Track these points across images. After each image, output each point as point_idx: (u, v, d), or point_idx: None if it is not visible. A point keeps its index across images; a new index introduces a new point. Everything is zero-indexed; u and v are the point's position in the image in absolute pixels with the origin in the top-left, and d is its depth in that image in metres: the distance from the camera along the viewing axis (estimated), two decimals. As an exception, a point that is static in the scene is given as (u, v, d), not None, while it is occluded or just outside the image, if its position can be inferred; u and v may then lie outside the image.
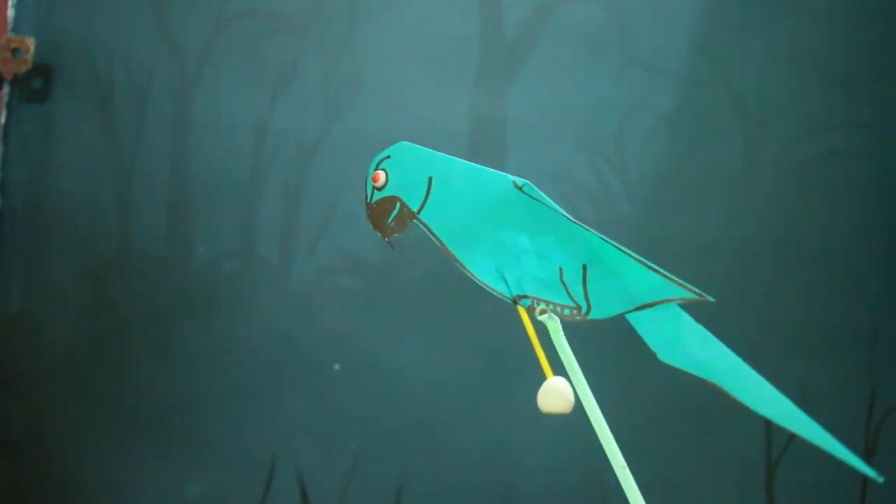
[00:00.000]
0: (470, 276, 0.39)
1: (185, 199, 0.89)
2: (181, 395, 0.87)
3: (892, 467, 0.90)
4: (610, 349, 0.80)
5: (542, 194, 0.37)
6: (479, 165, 0.38)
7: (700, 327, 0.35)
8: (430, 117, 0.87)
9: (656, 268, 0.35)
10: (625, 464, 0.40)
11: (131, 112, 0.89)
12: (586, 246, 0.36)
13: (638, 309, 0.36)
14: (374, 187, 0.41)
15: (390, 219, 0.40)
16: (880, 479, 0.31)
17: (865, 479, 0.83)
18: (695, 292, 0.34)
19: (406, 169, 0.40)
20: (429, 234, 0.39)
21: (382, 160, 0.41)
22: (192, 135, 0.89)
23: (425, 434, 0.86)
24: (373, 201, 0.41)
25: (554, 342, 0.39)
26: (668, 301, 0.35)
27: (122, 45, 0.90)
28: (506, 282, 0.38)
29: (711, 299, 0.33)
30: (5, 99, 0.89)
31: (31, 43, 0.88)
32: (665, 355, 0.36)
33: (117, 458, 0.87)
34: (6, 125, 0.89)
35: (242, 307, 0.88)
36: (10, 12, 0.90)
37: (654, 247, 0.85)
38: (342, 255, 0.87)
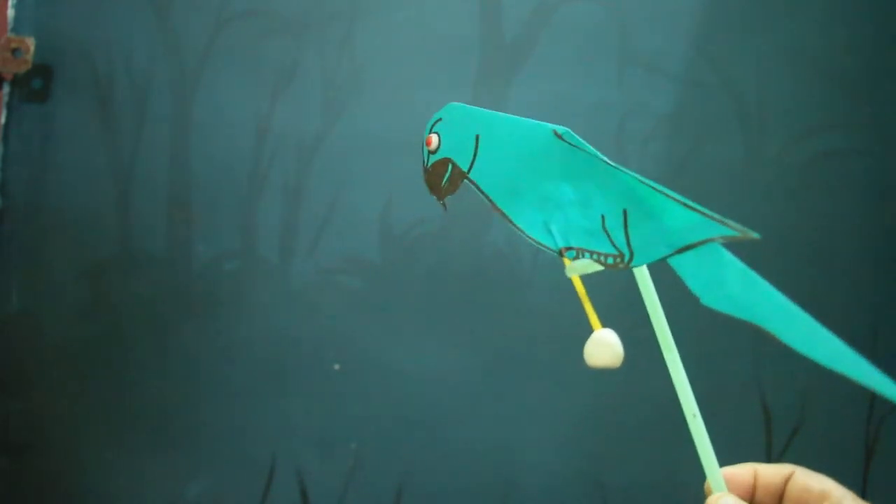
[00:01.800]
0: (519, 232, 0.38)
1: (185, 199, 0.89)
2: (181, 395, 0.87)
3: (892, 467, 0.91)
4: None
5: (582, 140, 0.35)
6: (521, 118, 0.37)
7: (745, 267, 0.33)
8: (430, 117, 0.87)
9: (695, 205, 0.31)
10: (697, 411, 0.39)
11: (131, 112, 0.89)
12: (625, 189, 0.34)
13: (679, 252, 0.33)
14: (428, 151, 0.40)
15: (444, 181, 0.39)
16: None
17: (865, 478, 0.82)
18: (737, 229, 0.30)
19: (456, 129, 0.39)
20: (479, 192, 0.38)
21: (435, 123, 0.40)
22: (192, 135, 0.89)
23: (425, 434, 0.86)
24: (429, 165, 0.40)
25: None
26: (709, 240, 0.31)
27: (122, 45, 0.90)
28: (551, 234, 0.37)
29: (757, 235, 0.29)
30: (5, 99, 0.89)
31: (31, 43, 0.88)
32: (708, 299, 0.34)
33: (117, 458, 0.87)
34: (6, 125, 0.89)
35: (242, 307, 0.88)
36: (10, 12, 0.90)
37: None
38: (342, 255, 0.87)
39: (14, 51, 0.88)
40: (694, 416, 0.39)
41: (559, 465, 0.85)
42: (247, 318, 0.87)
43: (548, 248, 0.37)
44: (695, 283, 0.34)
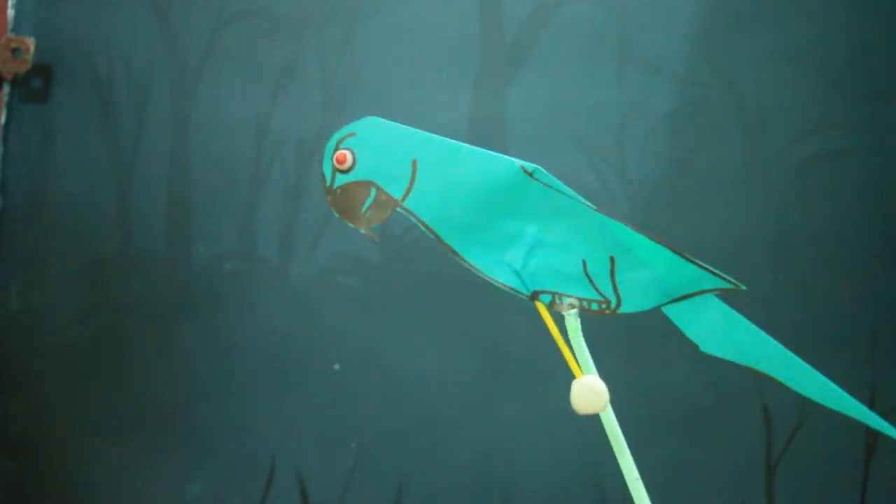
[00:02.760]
0: (473, 270, 0.35)
1: (185, 199, 0.89)
2: (181, 395, 0.87)
3: (892, 467, 0.91)
4: (609, 349, 0.80)
5: (556, 180, 0.34)
6: (475, 147, 0.35)
7: (738, 315, 0.35)
8: (430, 117, 0.87)
9: (692, 258, 0.33)
10: (638, 476, 0.39)
11: (131, 112, 0.89)
12: (612, 236, 0.34)
13: (674, 301, 0.34)
14: (336, 170, 0.35)
15: (364, 207, 0.35)
16: None
17: (865, 478, 0.82)
18: (730, 281, 0.33)
19: (379, 149, 0.35)
20: (418, 224, 0.35)
21: (346, 138, 0.35)
22: (192, 135, 0.89)
23: (425, 434, 0.86)
24: (335, 186, 0.35)
25: (571, 341, 0.36)
26: (706, 292, 0.34)
27: (122, 45, 0.90)
28: (519, 276, 0.35)
29: (745, 288, 0.33)
30: (5, 99, 0.89)
31: (31, 43, 0.88)
32: (708, 346, 0.35)
33: (117, 458, 0.87)
34: (6, 125, 0.89)
35: (242, 307, 0.88)
36: (10, 12, 0.90)
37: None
38: (342, 255, 0.87)
39: (14, 51, 0.88)
40: (636, 480, 0.39)
41: (559, 465, 0.85)
42: (247, 318, 0.87)
43: (513, 291, 0.35)
44: (691, 331, 0.35)
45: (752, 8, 0.87)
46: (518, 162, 0.34)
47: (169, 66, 0.89)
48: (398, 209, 0.35)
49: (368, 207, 0.35)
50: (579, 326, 0.35)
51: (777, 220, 0.86)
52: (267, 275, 0.88)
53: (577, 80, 0.87)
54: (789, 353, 0.34)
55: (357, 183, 0.35)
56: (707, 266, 0.33)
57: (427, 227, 0.35)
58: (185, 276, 0.88)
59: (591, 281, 0.35)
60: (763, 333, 0.34)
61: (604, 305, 0.35)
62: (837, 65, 0.86)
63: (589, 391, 0.36)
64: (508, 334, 0.86)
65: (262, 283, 0.88)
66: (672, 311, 0.35)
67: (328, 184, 0.35)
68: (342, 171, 0.35)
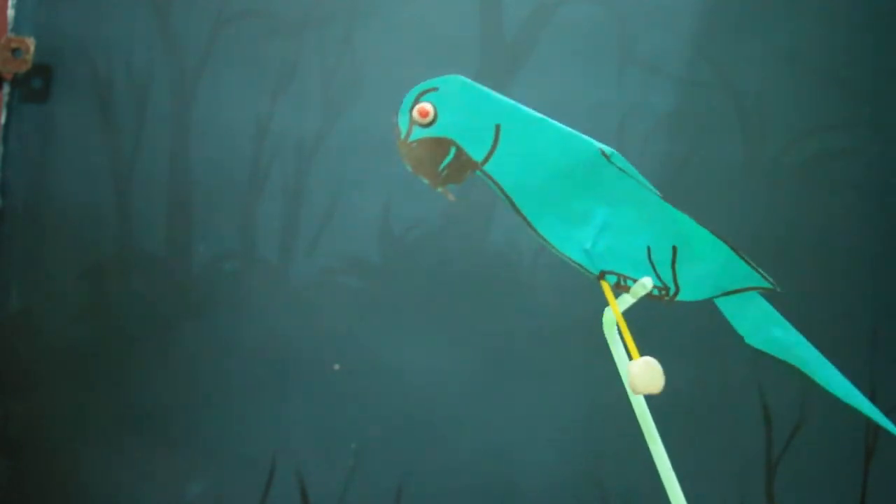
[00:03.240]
0: (543, 242, 0.35)
1: (185, 199, 0.89)
2: (181, 395, 0.87)
3: (892, 467, 0.91)
4: (605, 347, 0.80)
5: (631, 165, 0.35)
6: (559, 123, 0.35)
7: (778, 314, 0.38)
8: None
9: (745, 257, 0.36)
10: (668, 463, 0.42)
11: (131, 112, 0.89)
12: (677, 227, 0.35)
13: (725, 295, 0.36)
14: (415, 122, 0.34)
15: (443, 165, 0.34)
16: None
17: (865, 478, 0.83)
18: (772, 282, 0.36)
19: (464, 109, 0.34)
20: (495, 188, 0.34)
21: (428, 91, 0.34)
22: (192, 135, 0.89)
23: (425, 434, 0.86)
24: (412, 140, 0.34)
25: (611, 325, 0.37)
26: (751, 289, 0.36)
27: (122, 45, 0.90)
28: (588, 255, 0.35)
29: (780, 289, 0.36)
30: (5, 99, 0.89)
31: (31, 43, 0.88)
32: (752, 339, 0.38)
33: (117, 458, 0.87)
34: (6, 125, 0.89)
35: (242, 307, 0.88)
36: (10, 12, 0.90)
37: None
38: (342, 255, 0.87)
39: (14, 51, 0.88)
40: (668, 467, 0.42)
41: (559, 465, 0.85)
42: (247, 318, 0.87)
43: (582, 269, 0.36)
44: (739, 324, 0.38)
45: (752, 8, 0.87)
46: (598, 144, 0.35)
47: (169, 66, 0.89)
48: (477, 172, 0.34)
49: (447, 166, 0.34)
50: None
51: (777, 220, 0.86)
52: (267, 275, 0.88)
53: (577, 80, 0.87)
54: (819, 354, 0.38)
55: (437, 139, 0.34)
56: (756, 266, 0.36)
57: (505, 193, 0.35)
58: (185, 276, 0.88)
59: (653, 267, 0.36)
60: (798, 334, 0.38)
61: (663, 292, 0.36)
62: (837, 65, 0.86)
63: (650, 370, 0.37)
64: (508, 334, 0.86)
65: (262, 283, 0.88)
66: (722, 304, 0.37)
67: (403, 136, 0.34)
68: (422, 125, 0.34)
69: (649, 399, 0.90)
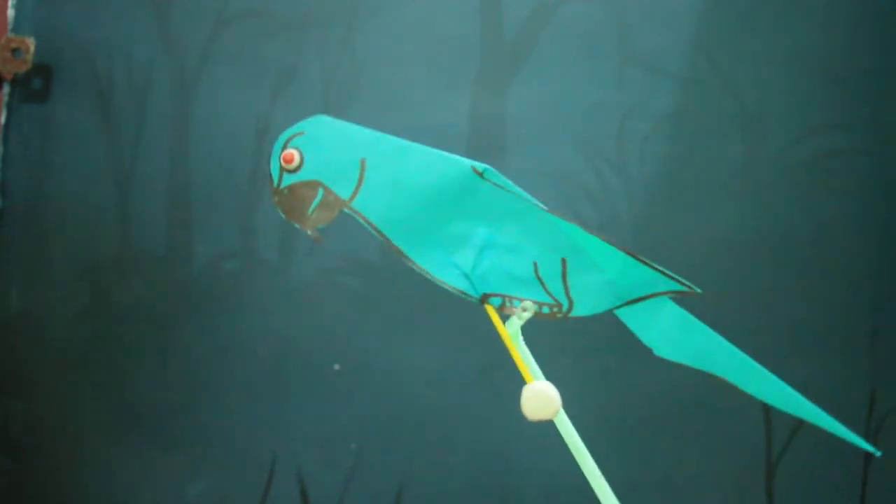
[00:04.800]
0: (421, 272, 0.35)
1: (185, 199, 0.89)
2: (181, 395, 0.87)
3: (892, 467, 0.91)
4: (607, 348, 0.80)
5: (507, 180, 0.33)
6: (425, 147, 0.34)
7: (693, 318, 0.33)
8: (430, 117, 0.87)
9: (646, 260, 0.32)
10: (603, 479, 0.39)
11: (131, 112, 0.89)
12: (565, 238, 0.33)
13: (627, 304, 0.33)
14: (283, 169, 0.34)
15: (311, 208, 0.35)
16: (878, 454, 0.31)
17: (865, 479, 0.82)
18: (685, 284, 0.32)
19: (328, 148, 0.34)
20: (366, 225, 0.34)
21: (294, 136, 0.34)
22: (192, 135, 0.89)
23: (425, 434, 0.86)
24: (283, 186, 0.34)
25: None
26: (660, 294, 0.33)
27: (122, 45, 0.90)
28: (468, 279, 0.34)
29: (699, 291, 0.32)
30: (5, 99, 0.89)
31: (31, 43, 0.88)
32: (662, 350, 0.34)
33: (117, 458, 0.87)
34: (6, 125, 0.89)
35: (242, 307, 0.88)
36: (10, 12, 0.90)
37: (654, 247, 0.85)
38: (342, 255, 0.87)
39: (14, 51, 0.88)
40: (601, 483, 0.39)
41: (559, 465, 0.85)
42: (247, 318, 0.87)
43: (462, 294, 0.34)
44: (646, 335, 0.34)
45: (752, 8, 0.87)
46: (468, 161, 0.33)
47: (169, 66, 0.89)
48: (345, 210, 0.34)
49: (315, 208, 0.35)
50: (519, 331, 0.35)
51: (777, 220, 0.86)
52: (267, 275, 0.88)
53: (577, 80, 0.87)
54: (747, 358, 0.33)
55: (304, 183, 0.34)
56: (661, 268, 0.32)
57: (375, 228, 0.34)
58: (185, 276, 0.88)
59: (542, 283, 0.34)
60: (720, 337, 0.33)
61: (555, 309, 0.34)
62: (837, 65, 0.86)
63: (539, 397, 0.37)
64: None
65: (262, 283, 0.88)
66: (626, 315, 0.34)
67: (275, 184, 0.34)
68: (289, 171, 0.34)
69: (650, 398, 0.90)
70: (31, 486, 0.88)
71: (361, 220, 0.35)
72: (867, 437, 0.83)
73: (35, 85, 0.89)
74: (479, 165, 0.33)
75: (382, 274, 0.87)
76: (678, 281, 0.32)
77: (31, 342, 0.89)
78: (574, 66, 0.87)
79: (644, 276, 0.32)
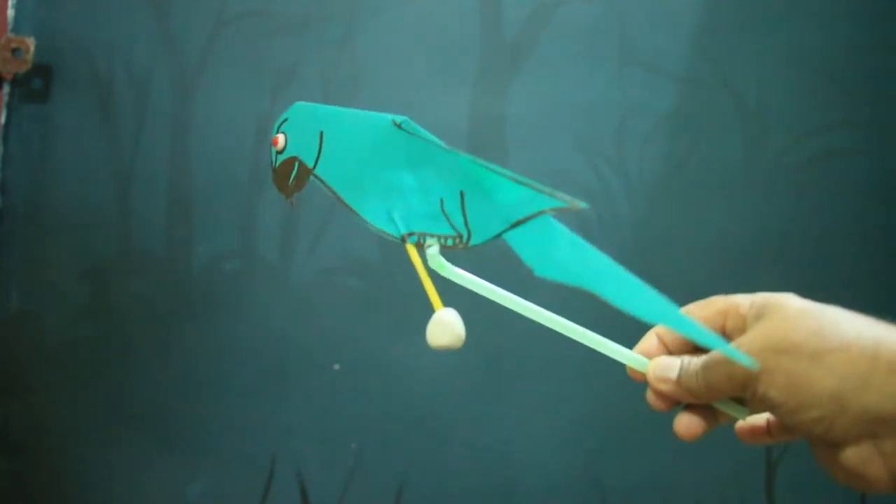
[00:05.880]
0: (366, 225, 0.39)
1: (185, 199, 0.89)
2: (181, 395, 0.87)
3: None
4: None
5: (421, 129, 0.36)
6: (362, 111, 0.38)
7: (574, 236, 0.34)
8: (430, 117, 0.87)
9: (525, 180, 0.33)
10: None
11: (131, 112, 0.89)
12: (462, 172, 0.36)
13: (512, 227, 0.35)
14: (275, 151, 0.41)
15: (291, 179, 0.41)
16: (757, 367, 0.32)
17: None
18: (566, 199, 0.32)
19: (301, 128, 0.40)
20: (325, 188, 0.39)
21: (282, 123, 0.41)
22: (192, 135, 0.89)
23: (425, 434, 0.86)
24: (276, 165, 0.41)
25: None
26: (540, 213, 0.33)
27: (122, 45, 0.90)
28: (393, 221, 0.38)
29: (584, 205, 0.31)
30: (5, 99, 0.89)
31: (31, 43, 0.88)
32: (540, 270, 0.35)
33: (117, 458, 0.87)
34: (6, 125, 0.89)
35: (242, 307, 0.88)
36: (10, 12, 0.90)
37: (654, 246, 0.85)
38: (342, 255, 0.87)
39: (14, 51, 0.88)
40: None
41: (559, 464, 0.85)
42: (247, 318, 0.87)
43: (390, 236, 0.38)
44: (527, 256, 0.35)
45: (752, 8, 0.87)
46: (389, 116, 0.37)
47: (169, 66, 0.89)
48: (312, 176, 0.40)
49: (293, 179, 0.40)
50: (443, 262, 0.38)
51: (777, 220, 0.86)
52: (267, 275, 0.88)
53: (577, 80, 0.87)
54: (624, 272, 0.33)
55: (287, 160, 0.40)
56: (541, 186, 0.33)
57: (332, 190, 0.39)
58: (185, 276, 0.88)
59: (447, 217, 0.37)
60: (598, 254, 0.33)
61: (457, 240, 0.37)
62: (837, 65, 0.86)
63: (442, 324, 0.39)
64: (508, 334, 0.86)
65: (262, 283, 0.88)
66: (511, 238, 0.35)
67: (272, 164, 0.41)
68: (279, 153, 0.40)
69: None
70: (31, 486, 0.88)
71: (323, 187, 0.39)
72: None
73: (35, 85, 0.89)
74: (399, 118, 0.37)
75: (382, 274, 0.87)
76: (558, 197, 0.33)
77: (31, 342, 0.89)
78: (574, 66, 0.87)
79: (525, 196, 0.34)
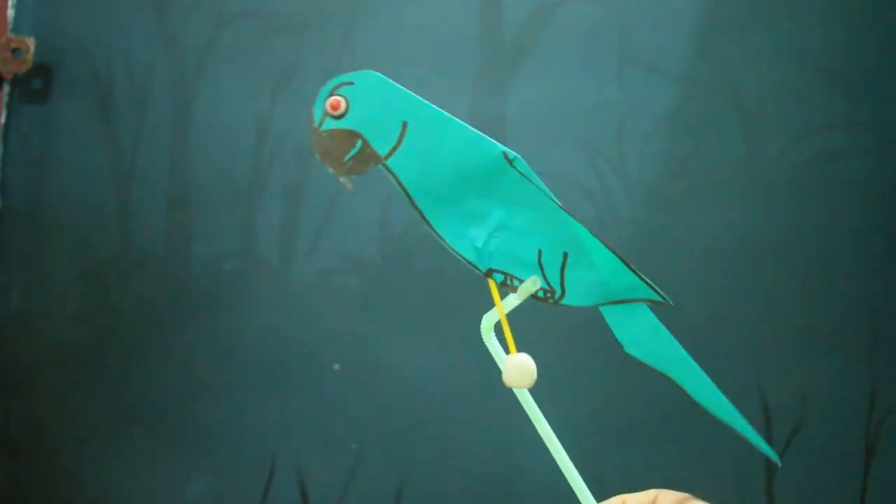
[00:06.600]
0: (437, 237, 0.37)
1: (185, 199, 0.89)
2: (181, 395, 0.87)
3: (892, 467, 0.91)
4: (606, 348, 0.80)
5: (532, 172, 0.36)
6: (465, 124, 0.36)
7: (662, 326, 0.38)
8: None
9: (635, 269, 0.36)
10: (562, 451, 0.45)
11: (131, 112, 0.89)
12: (570, 234, 0.36)
13: (611, 303, 0.37)
14: (327, 113, 0.35)
15: (348, 156, 0.36)
16: (779, 464, 0.38)
17: (865, 478, 0.82)
18: (662, 296, 0.37)
19: (374, 104, 0.36)
20: (395, 183, 0.36)
21: (343, 85, 0.36)
22: (192, 135, 0.89)
23: (425, 434, 0.86)
24: (324, 129, 0.36)
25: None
26: (639, 300, 0.37)
27: (122, 45, 0.90)
28: (479, 252, 0.37)
29: (672, 303, 0.37)
30: (5, 99, 0.89)
31: (31, 43, 0.88)
32: (631, 348, 0.39)
33: (117, 458, 0.87)
34: (6, 125, 0.89)
35: (242, 307, 0.88)
36: (10, 12, 0.90)
37: (654, 247, 0.85)
38: (342, 255, 0.87)
39: (14, 51, 0.88)
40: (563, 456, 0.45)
41: (559, 465, 0.85)
42: (247, 318, 0.87)
43: (471, 265, 0.38)
44: (620, 332, 0.39)
45: (752, 8, 0.87)
46: (501, 147, 0.36)
47: (169, 66, 0.89)
48: (379, 165, 0.36)
49: (351, 157, 0.36)
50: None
51: (777, 220, 0.86)
52: (267, 275, 0.88)
53: (578, 80, 0.87)
54: (700, 371, 0.39)
55: (345, 131, 0.36)
56: (646, 278, 0.36)
57: (403, 188, 0.36)
58: (185, 276, 0.88)
59: (542, 270, 0.37)
60: (681, 348, 0.38)
61: (549, 294, 0.38)
62: (837, 65, 0.86)
63: (519, 369, 0.42)
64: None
65: (262, 283, 0.88)
66: (607, 312, 0.38)
67: (316, 125, 0.36)
68: (333, 117, 0.36)
69: (650, 398, 0.90)
70: (31, 486, 0.88)
71: (392, 179, 0.36)
72: (867, 437, 0.83)
73: (35, 85, 0.89)
74: (511, 153, 0.36)
75: (382, 274, 0.87)
76: (658, 292, 0.37)
77: (31, 342, 0.89)
78: (574, 66, 0.87)
79: (630, 282, 0.37)
